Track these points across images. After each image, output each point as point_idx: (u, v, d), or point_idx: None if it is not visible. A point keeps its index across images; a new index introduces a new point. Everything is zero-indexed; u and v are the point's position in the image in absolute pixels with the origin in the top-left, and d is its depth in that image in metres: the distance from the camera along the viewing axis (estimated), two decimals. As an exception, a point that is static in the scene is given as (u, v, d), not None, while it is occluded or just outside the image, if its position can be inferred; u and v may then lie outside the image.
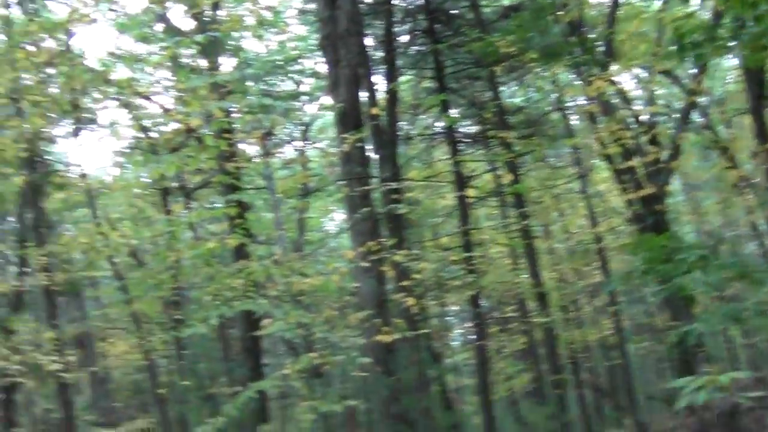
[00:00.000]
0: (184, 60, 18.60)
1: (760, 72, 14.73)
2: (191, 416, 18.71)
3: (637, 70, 21.69)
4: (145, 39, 19.73)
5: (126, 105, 20.43)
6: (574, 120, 22.96)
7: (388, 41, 18.14)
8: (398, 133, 17.95)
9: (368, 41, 17.90)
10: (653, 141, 16.42)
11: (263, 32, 19.55)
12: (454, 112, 20.37)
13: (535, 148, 19.61)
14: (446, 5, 19.58)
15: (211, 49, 17.50)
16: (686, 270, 9.43)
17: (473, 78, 20.18)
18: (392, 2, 18.66)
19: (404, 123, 19.92)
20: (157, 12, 18.53)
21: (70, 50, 19.26)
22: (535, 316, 20.00)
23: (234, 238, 13.63)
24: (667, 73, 20.45)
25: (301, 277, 14.01)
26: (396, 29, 18.96)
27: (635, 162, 15.77)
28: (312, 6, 19.52)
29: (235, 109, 17.14)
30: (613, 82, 16.11)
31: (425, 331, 15.02)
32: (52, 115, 19.79)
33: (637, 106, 19.01)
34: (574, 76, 18.61)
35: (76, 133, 20.11)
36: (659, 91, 23.18)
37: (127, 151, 21.83)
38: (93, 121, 21.29)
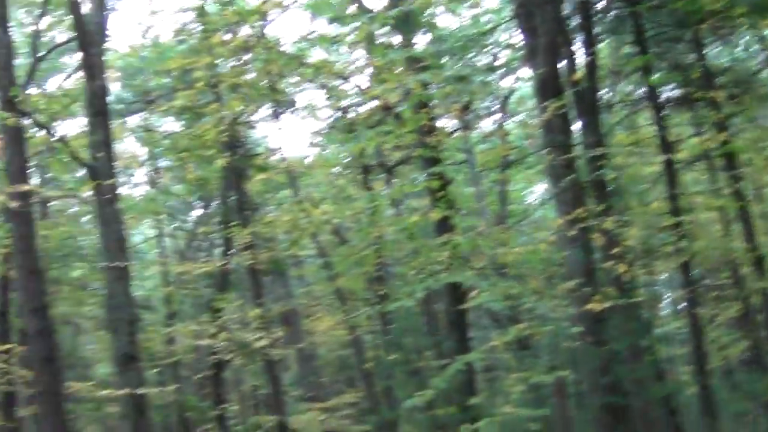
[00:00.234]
0: (379, 38, 18.94)
1: None
2: (398, 390, 19.17)
3: None
4: (338, 20, 20.22)
5: (323, 86, 21.04)
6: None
7: (584, 7, 17.97)
8: (599, 100, 17.77)
9: (564, 9, 17.78)
10: None
11: (457, 6, 19.70)
12: (656, 77, 19.98)
13: (745, 109, 19.02)
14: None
15: (405, 25, 17.78)
16: None
17: (675, 40, 19.73)
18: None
19: (605, 90, 19.70)
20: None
21: (265, 36, 20.03)
22: (751, 282, 19.46)
23: (438, 211, 13.88)
24: None
25: (507, 248, 14.20)
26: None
27: None
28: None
29: (432, 84, 17.37)
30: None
31: (636, 299, 14.83)
32: (251, 100, 20.64)
33: None
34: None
35: (275, 117, 20.88)
36: None
37: (326, 131, 22.49)
38: (291, 104, 22.05)
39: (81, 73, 19.23)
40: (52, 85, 25.92)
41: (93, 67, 16.31)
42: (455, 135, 20.32)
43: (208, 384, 25.84)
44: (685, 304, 20.78)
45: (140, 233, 31.94)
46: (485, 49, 21.71)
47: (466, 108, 20.45)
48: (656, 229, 20.66)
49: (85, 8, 17.23)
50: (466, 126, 20.99)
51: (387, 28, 17.64)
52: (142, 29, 28.15)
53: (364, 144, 15.34)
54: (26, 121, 17.96)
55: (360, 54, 21.10)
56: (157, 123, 26.79)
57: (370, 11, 18.95)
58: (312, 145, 25.36)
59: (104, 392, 17.95)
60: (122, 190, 20.40)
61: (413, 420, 18.67)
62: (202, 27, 19.07)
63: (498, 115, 24.80)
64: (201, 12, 19.07)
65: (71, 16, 17.67)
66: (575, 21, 18.44)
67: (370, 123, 19.30)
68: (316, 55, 21.05)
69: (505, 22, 20.69)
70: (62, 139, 17.71)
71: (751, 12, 15.16)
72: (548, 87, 14.74)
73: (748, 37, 20.17)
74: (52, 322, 19.93)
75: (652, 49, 19.29)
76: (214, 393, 24.49)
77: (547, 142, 14.92)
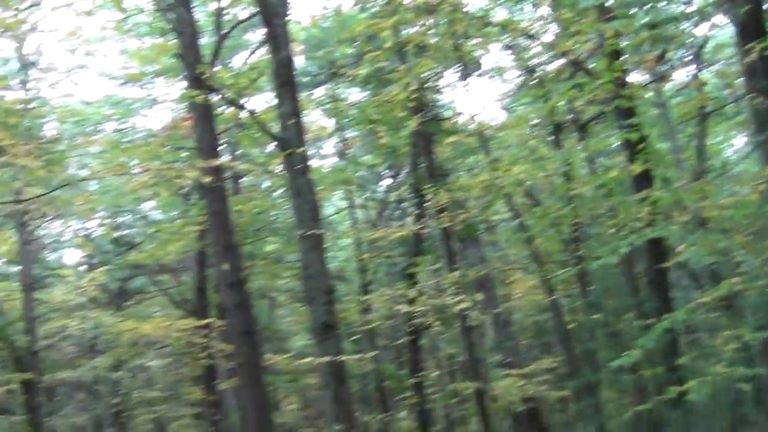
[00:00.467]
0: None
1: None
2: (599, 353, 18.96)
3: None
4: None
5: (509, 46, 20.86)
6: None
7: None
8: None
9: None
10: None
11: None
12: None
13: None
14: None
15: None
16: None
17: None
18: None
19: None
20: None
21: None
22: None
23: (638, 165, 13.53)
24: None
25: (711, 201, 13.74)
26: None
27: None
28: None
29: (623, 35, 16.93)
30: None
31: None
32: (437, 63, 20.65)
33: None
34: None
35: (462, 79, 20.85)
36: None
37: (515, 91, 22.31)
38: (478, 65, 21.96)
39: (266, 48, 19.71)
40: (237, 62, 26.71)
41: (277, 38, 16.47)
42: (649, 87, 19.77)
43: (405, 352, 26.23)
44: None
45: (332, 205, 32.57)
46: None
47: (659, 58, 19.88)
48: None
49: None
50: (661, 77, 20.40)
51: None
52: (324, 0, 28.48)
53: (555, 101, 15.06)
54: (214, 98, 18.53)
55: (545, 11, 20.81)
56: (343, 94, 27.19)
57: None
58: (501, 106, 25.29)
59: (304, 360, 18.45)
60: (312, 163, 20.77)
61: (616, 382, 18.42)
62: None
63: (693, 65, 24.01)
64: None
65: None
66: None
67: (560, 80, 19.01)
68: (500, 14, 20.87)
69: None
70: (251, 113, 18.14)
71: None
72: (750, 28, 14.14)
73: None
74: (249, 296, 20.62)
75: None
76: (411, 361, 24.83)
77: (749, 88, 14.33)
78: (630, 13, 18.26)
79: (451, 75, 22.76)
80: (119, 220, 33.96)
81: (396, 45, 19.00)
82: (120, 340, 31.86)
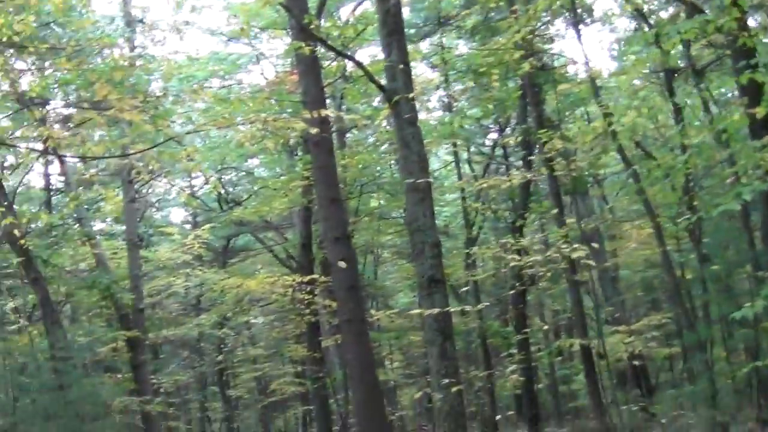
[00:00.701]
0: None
1: None
2: (713, 307, 18.64)
3: None
4: None
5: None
6: None
7: None
8: None
9: None
10: None
11: None
12: None
13: None
14: None
15: None
16: None
17: None
18: None
19: None
20: None
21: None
22: None
23: (762, 108, 13.13)
24: None
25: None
26: None
27: None
28: None
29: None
30: None
31: None
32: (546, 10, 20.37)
33: None
34: None
35: (573, 27, 20.54)
36: None
37: (627, 38, 21.91)
38: (588, 12, 21.66)
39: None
40: (344, 13, 26.80)
41: (385, -14, 16.43)
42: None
43: (511, 309, 26.13)
44: None
45: (437, 159, 32.54)
46: None
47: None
48: None
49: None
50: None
51: None
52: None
53: (672, 44, 14.66)
54: (321, 50, 18.51)
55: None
56: (449, 45, 27.03)
57: None
58: (612, 55, 24.85)
59: (413, 312, 18.39)
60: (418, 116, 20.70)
61: (731, 338, 18.09)
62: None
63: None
64: None
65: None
66: None
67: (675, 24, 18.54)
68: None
69: None
70: (359, 63, 18.11)
71: None
72: None
73: None
74: (355, 251, 20.72)
75: None
76: (517, 317, 24.73)
77: None
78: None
79: (561, 22, 22.52)
80: (224, 177, 34.46)
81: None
82: (224, 297, 32.43)
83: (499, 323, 29.02)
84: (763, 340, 17.01)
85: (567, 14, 21.01)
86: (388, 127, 24.84)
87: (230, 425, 41.39)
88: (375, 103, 27.30)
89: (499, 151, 29.88)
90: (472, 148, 30.90)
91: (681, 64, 20.69)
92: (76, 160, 30.04)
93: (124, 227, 30.78)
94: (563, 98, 21.96)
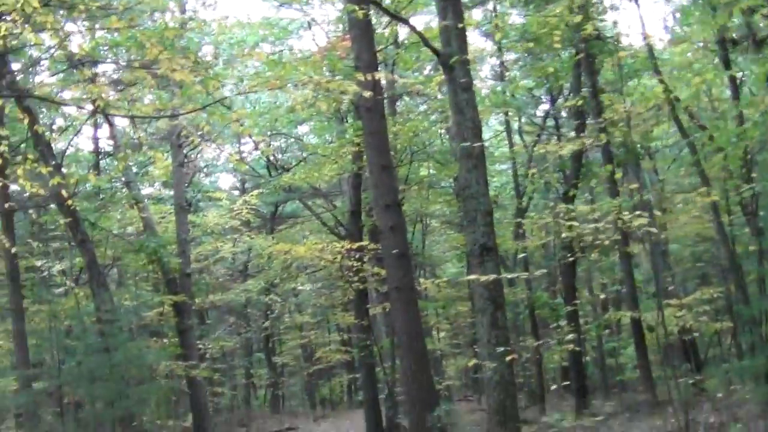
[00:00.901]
0: None
1: None
2: (767, 282, 18.56)
3: None
4: None
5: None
6: None
7: None
8: None
9: None
10: None
11: None
12: None
13: None
14: None
15: None
16: None
17: None
18: None
19: None
20: None
21: None
22: None
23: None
24: None
25: None
26: None
27: None
28: None
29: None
30: None
31: None
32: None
33: None
34: None
35: (631, -1, 20.39)
36: None
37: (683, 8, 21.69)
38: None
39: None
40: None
41: (440, -50, 16.31)
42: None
43: (560, 280, 26.08)
44: None
45: (489, 128, 32.44)
46: None
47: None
48: None
49: None
50: None
51: None
52: None
53: (723, 19, 14.42)
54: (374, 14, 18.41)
55: None
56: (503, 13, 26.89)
57: None
58: (666, 26, 24.64)
59: (463, 279, 18.22)
60: (471, 84, 20.63)
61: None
62: None
63: None
64: None
65: None
66: None
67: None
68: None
69: None
70: (413, 27, 18.06)
71: None
72: None
73: None
74: (404, 219, 20.70)
75: None
76: (566, 288, 24.69)
77: None
78: None
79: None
80: (274, 143, 34.60)
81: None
82: (272, 263, 32.68)
83: (547, 294, 29.01)
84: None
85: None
86: (439, 95, 24.82)
87: (275, 392, 41.74)
88: (426, 71, 27.27)
89: (550, 122, 29.75)
90: (524, 119, 30.80)
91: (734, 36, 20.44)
92: (126, 122, 30.44)
93: (172, 191, 31.02)
94: (618, 69, 21.76)
